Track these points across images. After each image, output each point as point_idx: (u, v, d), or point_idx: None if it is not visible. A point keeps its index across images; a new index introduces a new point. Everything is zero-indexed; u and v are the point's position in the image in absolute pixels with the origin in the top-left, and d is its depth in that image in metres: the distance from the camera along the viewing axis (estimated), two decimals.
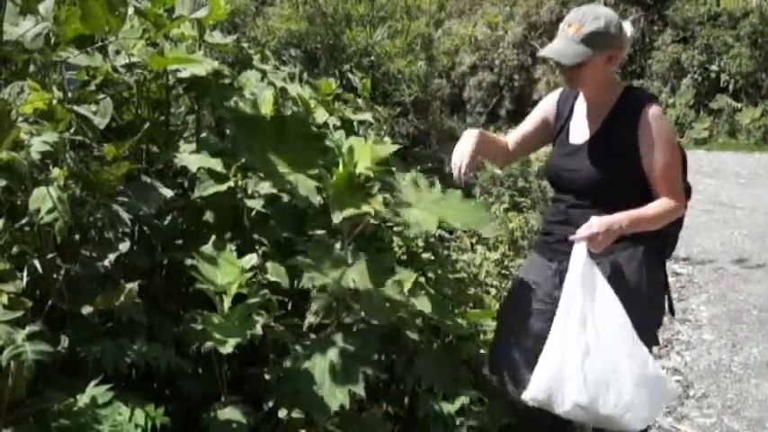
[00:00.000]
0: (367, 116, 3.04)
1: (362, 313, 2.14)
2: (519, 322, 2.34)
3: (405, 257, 2.92)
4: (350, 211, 2.09)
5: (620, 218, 2.09)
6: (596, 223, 2.08)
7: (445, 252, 3.22)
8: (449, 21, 16.28)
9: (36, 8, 2.04)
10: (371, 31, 6.66)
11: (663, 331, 4.53)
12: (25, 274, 1.81)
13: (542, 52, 2.21)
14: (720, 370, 3.92)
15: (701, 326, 4.64)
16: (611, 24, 2.12)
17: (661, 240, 2.26)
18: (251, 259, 2.08)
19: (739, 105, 15.17)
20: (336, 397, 1.99)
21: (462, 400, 2.41)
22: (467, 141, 2.20)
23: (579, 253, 2.09)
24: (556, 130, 2.38)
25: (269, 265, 2.21)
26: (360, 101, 3.33)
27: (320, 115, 2.75)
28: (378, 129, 4.24)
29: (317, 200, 2.17)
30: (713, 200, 9.08)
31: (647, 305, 2.21)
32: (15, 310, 1.63)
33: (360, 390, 2.03)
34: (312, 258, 2.03)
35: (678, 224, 2.30)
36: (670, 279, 5.39)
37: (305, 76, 3.22)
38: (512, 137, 2.50)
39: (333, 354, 2.09)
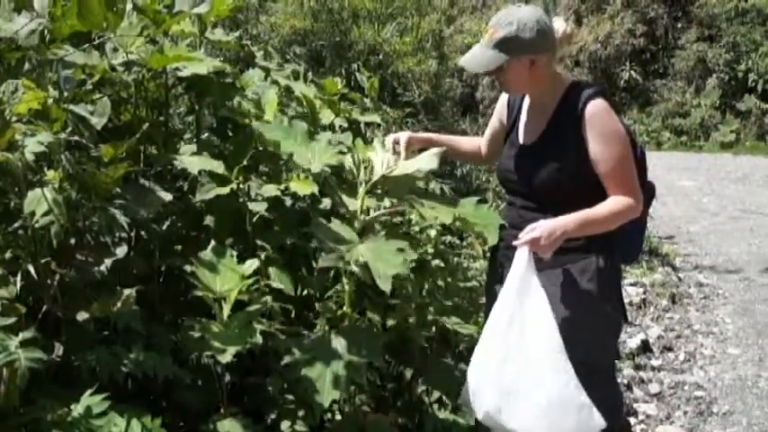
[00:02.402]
0: (375, 117, 3.06)
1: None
2: None
3: (414, 265, 2.92)
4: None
5: (567, 220, 2.07)
6: (540, 226, 2.06)
7: (456, 259, 3.23)
8: (461, 17, 16.32)
9: (31, 3, 2.07)
10: (380, 29, 6.69)
11: (685, 344, 4.53)
12: (19, 279, 1.84)
13: (459, 61, 2.30)
14: (746, 386, 3.91)
15: (725, 339, 4.63)
16: (525, 29, 2.12)
17: (613, 247, 2.23)
18: (252, 265, 2.10)
19: None
20: (332, 393, 1.97)
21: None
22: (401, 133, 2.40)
23: (521, 258, 2.05)
24: (507, 128, 2.42)
25: (272, 270, 2.22)
26: (367, 101, 3.34)
27: (326, 116, 2.78)
28: (386, 130, 4.26)
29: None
30: (740, 207, 9.06)
31: (600, 317, 2.19)
32: (8, 317, 1.65)
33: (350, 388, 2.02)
34: (323, 237, 2.03)
35: (640, 224, 2.30)
36: (693, 289, 5.46)
37: (310, 74, 3.24)
38: (483, 140, 2.59)
39: (335, 358, 2.08)
